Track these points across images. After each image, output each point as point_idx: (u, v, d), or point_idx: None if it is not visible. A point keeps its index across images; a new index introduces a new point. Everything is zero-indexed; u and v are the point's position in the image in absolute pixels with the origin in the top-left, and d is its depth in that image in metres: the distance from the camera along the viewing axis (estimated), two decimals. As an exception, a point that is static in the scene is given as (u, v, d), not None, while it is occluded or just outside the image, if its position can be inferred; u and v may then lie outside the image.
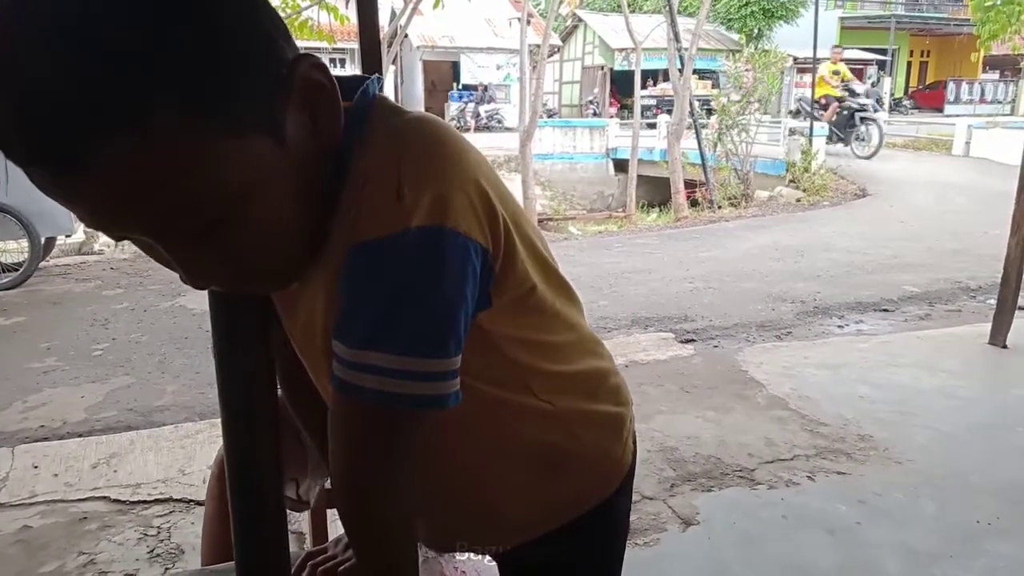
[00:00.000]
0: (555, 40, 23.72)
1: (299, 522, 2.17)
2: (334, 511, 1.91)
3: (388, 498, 0.68)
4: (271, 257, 0.61)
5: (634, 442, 0.92)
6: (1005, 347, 3.80)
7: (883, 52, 25.51)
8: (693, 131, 11.79)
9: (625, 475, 0.89)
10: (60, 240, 6.63)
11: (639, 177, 13.37)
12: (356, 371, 0.62)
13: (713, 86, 17.88)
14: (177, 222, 0.53)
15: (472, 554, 0.97)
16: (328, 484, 1.65)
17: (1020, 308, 4.05)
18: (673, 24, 11.63)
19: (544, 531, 0.84)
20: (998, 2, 11.15)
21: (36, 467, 2.67)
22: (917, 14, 28.36)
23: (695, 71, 13.55)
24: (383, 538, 0.70)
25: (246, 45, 0.52)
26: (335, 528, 2.05)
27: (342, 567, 0.97)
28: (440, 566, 1.30)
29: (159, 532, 2.25)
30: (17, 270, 5.65)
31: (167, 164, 0.49)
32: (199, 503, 2.40)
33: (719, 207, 10.26)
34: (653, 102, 21.34)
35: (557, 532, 0.84)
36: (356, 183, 0.61)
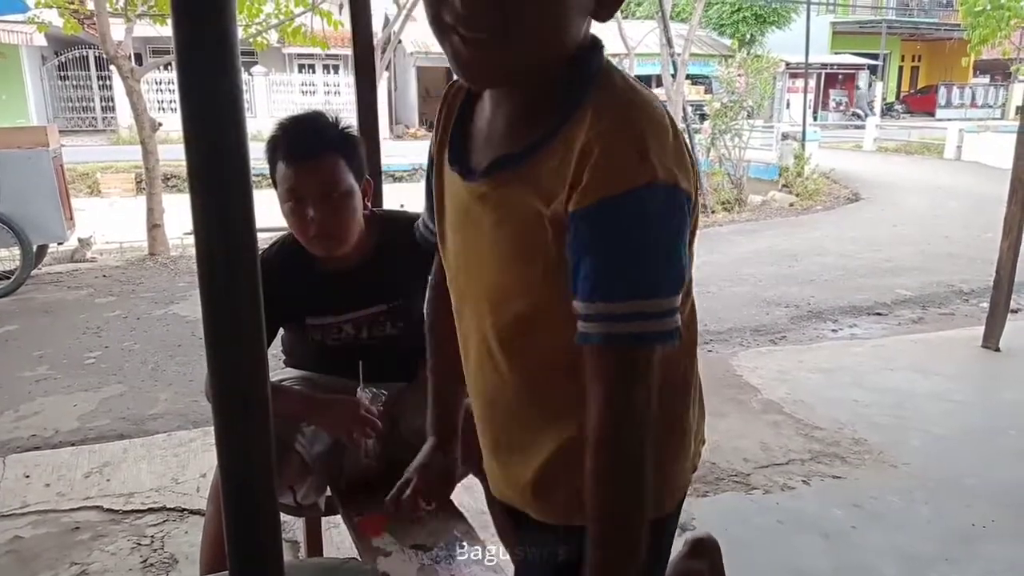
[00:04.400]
0: (548, 46, 23.78)
1: (293, 531, 2.16)
2: (329, 519, 1.91)
3: (651, 431, 0.75)
4: (526, 34, 0.72)
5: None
6: (998, 350, 3.81)
7: (875, 57, 25.69)
8: (686, 136, 11.83)
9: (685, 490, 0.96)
10: (52, 248, 6.58)
11: (633, 182, 13.37)
12: (623, 321, 0.70)
13: (706, 91, 17.95)
14: None
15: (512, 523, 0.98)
16: (328, 493, 1.63)
17: (1013, 311, 4.07)
18: (666, 30, 11.66)
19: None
20: (988, 7, 11.25)
21: (28, 477, 2.64)
22: (908, 19, 28.58)
23: (688, 76, 13.60)
24: (643, 477, 0.76)
25: None
26: (329, 537, 2.04)
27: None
28: (436, 574, 1.29)
29: (152, 541, 2.23)
30: (9, 278, 5.60)
31: None
32: (193, 512, 2.38)
33: (713, 212, 10.28)
34: (646, 107, 21.37)
35: None
36: (592, 125, 0.71)
